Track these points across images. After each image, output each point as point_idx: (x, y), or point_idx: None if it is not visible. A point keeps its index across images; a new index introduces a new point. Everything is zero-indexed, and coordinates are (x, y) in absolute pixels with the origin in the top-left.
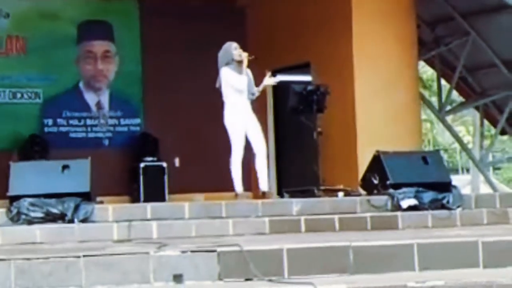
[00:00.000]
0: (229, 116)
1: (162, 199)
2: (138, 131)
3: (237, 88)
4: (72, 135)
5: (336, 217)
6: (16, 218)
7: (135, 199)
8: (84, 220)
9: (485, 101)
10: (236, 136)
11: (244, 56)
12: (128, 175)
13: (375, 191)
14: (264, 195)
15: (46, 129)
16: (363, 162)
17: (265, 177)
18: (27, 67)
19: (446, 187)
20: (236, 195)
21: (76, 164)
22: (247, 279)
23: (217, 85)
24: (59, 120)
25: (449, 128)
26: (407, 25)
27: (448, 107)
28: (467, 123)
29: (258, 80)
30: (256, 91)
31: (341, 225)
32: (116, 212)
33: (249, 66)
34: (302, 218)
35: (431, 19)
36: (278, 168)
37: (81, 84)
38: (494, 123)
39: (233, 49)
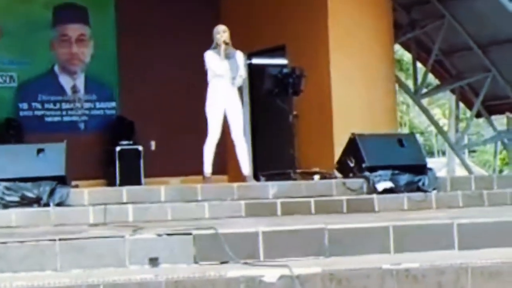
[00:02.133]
0: (208, 100)
1: (138, 182)
2: (114, 114)
3: (216, 73)
4: (48, 119)
5: (312, 200)
6: None
7: (110, 183)
8: (59, 204)
9: (461, 84)
10: (212, 120)
11: (221, 41)
12: (103, 159)
13: (351, 174)
14: (245, 180)
15: (21, 113)
16: (339, 145)
17: (247, 162)
18: (1, 51)
19: (421, 169)
20: (204, 178)
21: (51, 147)
22: (222, 262)
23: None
24: (34, 104)
25: (425, 111)
26: (383, 8)
27: (424, 90)
28: (443, 106)
29: None
30: (240, 76)
31: (317, 208)
32: (92, 196)
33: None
34: (278, 201)
35: (407, 2)
36: (254, 151)
37: (56, 68)
38: (469, 106)
39: (216, 32)
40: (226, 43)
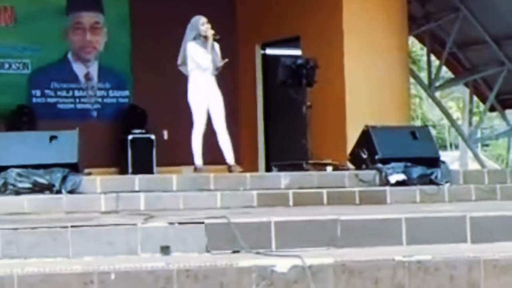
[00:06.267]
0: (191, 92)
1: (150, 171)
2: (127, 103)
3: (201, 66)
4: (60, 106)
5: (324, 191)
6: (3, 189)
7: (123, 171)
8: (71, 191)
9: (475, 77)
10: (198, 112)
11: (210, 34)
12: (116, 147)
13: (364, 166)
14: (230, 169)
15: (34, 100)
16: (352, 137)
17: (230, 152)
18: (15, 37)
19: (434, 162)
20: (195, 169)
21: (64, 135)
22: (234, 251)
23: (178, 62)
24: (47, 91)
25: (438, 104)
26: (398, 1)
27: (437, 83)
28: (457, 100)
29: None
30: (220, 66)
31: (329, 199)
32: (104, 184)
33: (237, 39)
34: (290, 191)
35: None
36: (266, 142)
37: (69, 55)
38: (483, 99)
39: (200, 24)
40: (214, 36)
